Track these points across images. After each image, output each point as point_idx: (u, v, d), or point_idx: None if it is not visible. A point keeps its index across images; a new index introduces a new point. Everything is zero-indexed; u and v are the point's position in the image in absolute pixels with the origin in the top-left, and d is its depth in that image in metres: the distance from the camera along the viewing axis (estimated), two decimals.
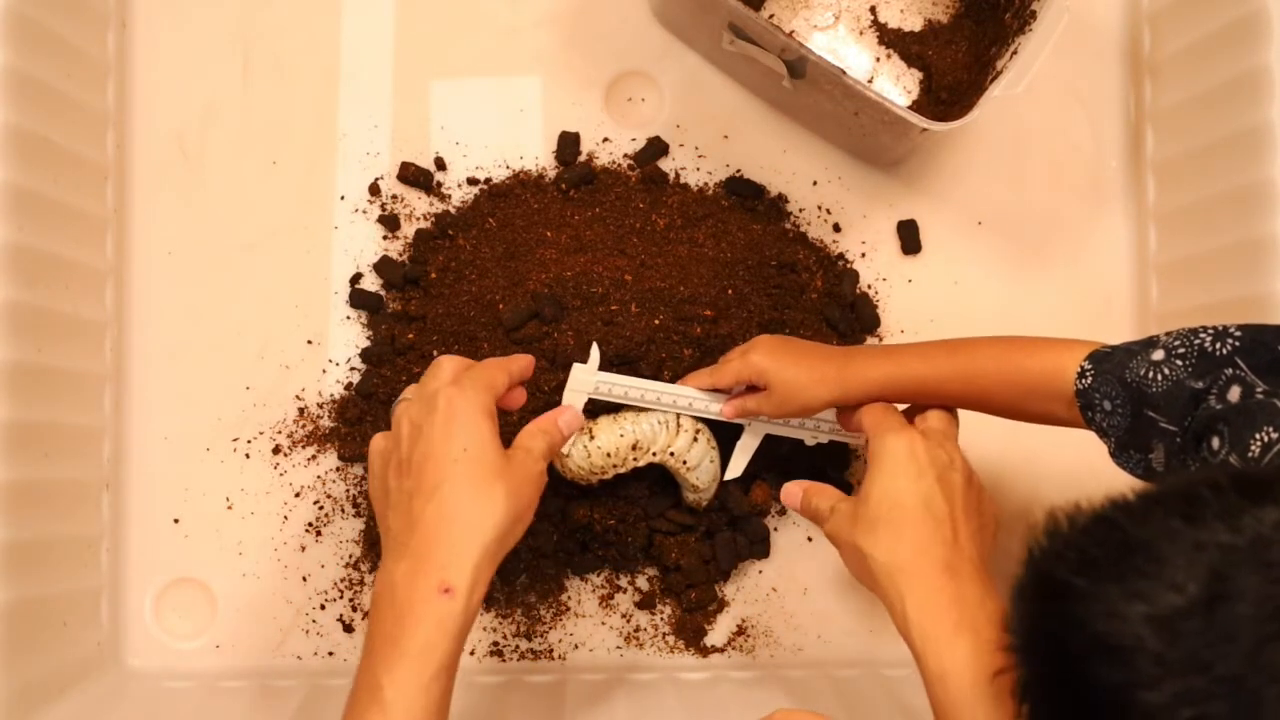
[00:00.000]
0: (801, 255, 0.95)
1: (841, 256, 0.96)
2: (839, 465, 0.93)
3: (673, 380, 0.86)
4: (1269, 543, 0.43)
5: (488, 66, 0.97)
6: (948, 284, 0.97)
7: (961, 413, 0.81)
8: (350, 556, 0.93)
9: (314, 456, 0.93)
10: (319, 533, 0.93)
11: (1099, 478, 0.96)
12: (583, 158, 0.96)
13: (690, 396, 0.84)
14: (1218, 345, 0.65)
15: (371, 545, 0.92)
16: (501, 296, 0.90)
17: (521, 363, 0.76)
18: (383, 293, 0.95)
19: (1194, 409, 0.65)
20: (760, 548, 0.93)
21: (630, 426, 0.84)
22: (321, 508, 0.93)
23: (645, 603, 0.92)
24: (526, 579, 0.91)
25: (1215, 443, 0.61)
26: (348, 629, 0.92)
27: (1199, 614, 0.43)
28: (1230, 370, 0.64)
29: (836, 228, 0.97)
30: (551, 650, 0.92)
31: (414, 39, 0.97)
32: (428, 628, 0.64)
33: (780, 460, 0.89)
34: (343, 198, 0.96)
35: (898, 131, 0.87)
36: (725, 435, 0.88)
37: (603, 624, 0.93)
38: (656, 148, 0.96)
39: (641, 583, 0.93)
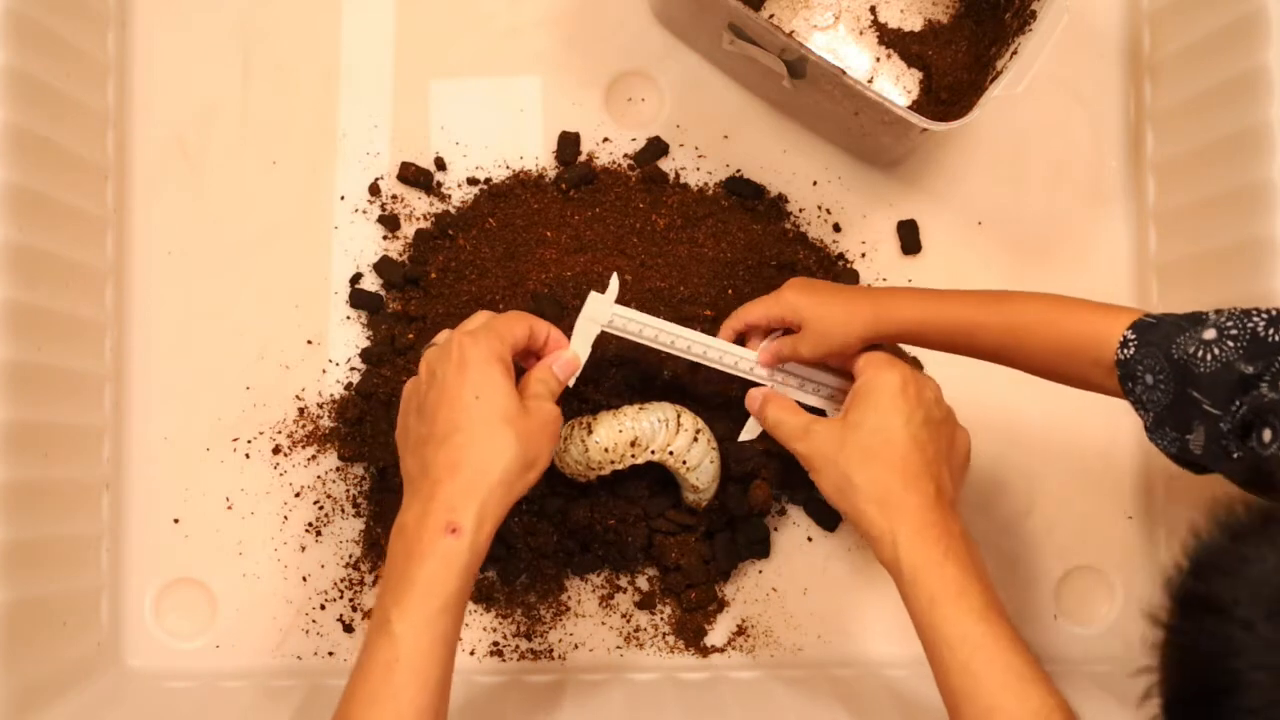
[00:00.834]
0: (801, 255, 0.95)
1: (841, 256, 0.96)
2: None
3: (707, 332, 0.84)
4: None
5: (488, 66, 0.97)
6: (948, 284, 0.96)
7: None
8: (350, 556, 0.93)
9: (314, 456, 0.93)
10: (319, 533, 0.93)
11: (1101, 478, 0.96)
12: (583, 158, 0.96)
13: (706, 344, 0.82)
14: (1271, 331, 0.64)
15: (371, 545, 0.92)
16: (501, 296, 0.90)
17: (544, 327, 0.77)
18: (383, 293, 0.95)
19: (1242, 394, 0.63)
20: (760, 548, 0.93)
21: (630, 423, 0.84)
22: (321, 508, 0.93)
23: (645, 603, 0.92)
24: (526, 579, 0.91)
25: (1267, 435, 0.60)
26: (348, 629, 0.92)
27: None
28: None
29: (836, 228, 0.97)
30: (551, 650, 0.92)
31: (414, 39, 0.97)
32: (433, 565, 0.67)
33: (782, 459, 0.89)
34: (343, 198, 0.96)
35: (898, 131, 0.87)
36: (725, 431, 0.88)
37: (603, 624, 0.93)
38: (656, 148, 0.96)
39: (641, 583, 0.93)
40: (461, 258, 0.92)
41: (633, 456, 0.84)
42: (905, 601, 0.71)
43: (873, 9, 0.98)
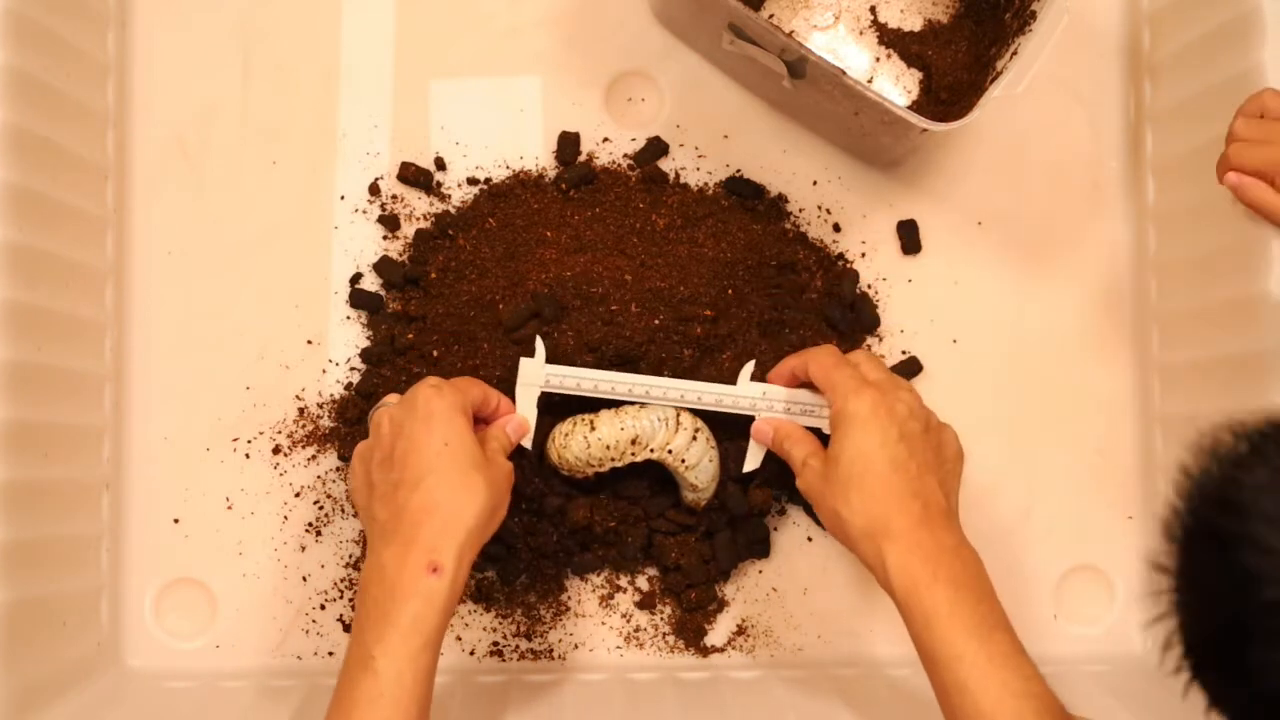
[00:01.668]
0: (801, 255, 0.95)
1: (841, 256, 0.96)
2: None
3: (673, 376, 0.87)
4: None
5: (488, 66, 0.97)
6: (948, 284, 0.97)
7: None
8: (350, 556, 0.93)
9: (314, 456, 0.93)
10: (319, 533, 0.93)
11: (1101, 478, 0.96)
12: (583, 158, 0.96)
13: (648, 384, 0.85)
14: None
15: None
16: (501, 296, 0.90)
17: (495, 393, 0.83)
18: (383, 293, 0.95)
19: None
20: (760, 548, 0.93)
21: (631, 421, 0.84)
22: (321, 508, 0.93)
23: (645, 603, 0.92)
24: (526, 579, 0.91)
25: None
26: (348, 629, 0.92)
27: None
28: None
29: (836, 228, 0.97)
30: (551, 650, 0.92)
31: (414, 39, 0.97)
32: (417, 603, 0.70)
33: (783, 462, 0.89)
34: (343, 198, 0.96)
35: (897, 131, 0.87)
36: (730, 430, 0.88)
37: (603, 624, 0.93)
38: (656, 148, 0.96)
39: (641, 583, 0.93)
40: (461, 258, 0.92)
41: (632, 454, 0.85)
42: (905, 623, 0.72)
43: (873, 9, 0.98)
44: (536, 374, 0.85)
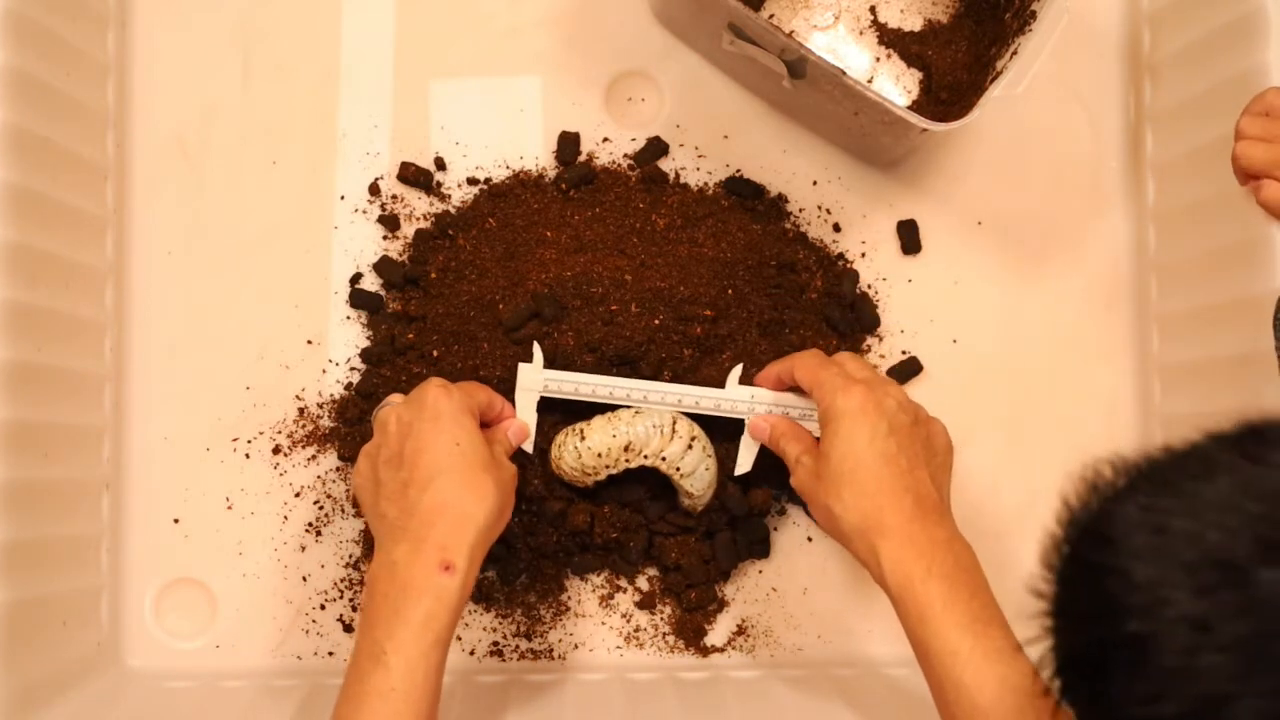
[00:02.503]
0: (801, 255, 0.95)
1: (841, 256, 0.96)
2: None
3: (673, 379, 0.87)
4: None
5: (488, 66, 0.97)
6: (948, 284, 0.97)
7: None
8: (350, 557, 0.93)
9: (314, 456, 0.93)
10: (319, 533, 0.93)
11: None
12: (583, 158, 0.96)
13: (646, 389, 0.85)
14: None
15: (372, 545, 0.92)
16: (501, 296, 0.90)
17: (500, 399, 0.83)
18: (383, 293, 0.95)
19: None
20: (760, 548, 0.93)
21: (625, 428, 0.84)
22: (321, 508, 0.93)
23: (645, 603, 0.92)
24: (526, 579, 0.91)
25: None
26: (348, 629, 0.92)
27: (1275, 562, 0.39)
28: None
29: (836, 228, 0.97)
30: (551, 650, 0.92)
31: (414, 39, 0.97)
32: (429, 601, 0.70)
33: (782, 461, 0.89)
34: (343, 198, 0.96)
35: (897, 131, 0.87)
36: (726, 431, 0.88)
37: (603, 624, 0.93)
38: (656, 148, 0.96)
39: (641, 583, 0.93)
40: (461, 258, 0.92)
41: (627, 461, 0.85)
42: (899, 619, 0.72)
43: (873, 9, 0.98)
44: (535, 379, 0.85)
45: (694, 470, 0.85)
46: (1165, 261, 0.95)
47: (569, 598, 0.92)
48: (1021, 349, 0.96)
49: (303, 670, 0.92)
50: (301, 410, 0.94)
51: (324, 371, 0.94)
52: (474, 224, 0.94)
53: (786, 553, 0.94)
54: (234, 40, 0.97)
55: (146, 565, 0.92)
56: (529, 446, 0.85)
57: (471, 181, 0.96)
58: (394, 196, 0.96)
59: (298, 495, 0.93)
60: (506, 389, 0.86)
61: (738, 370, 0.86)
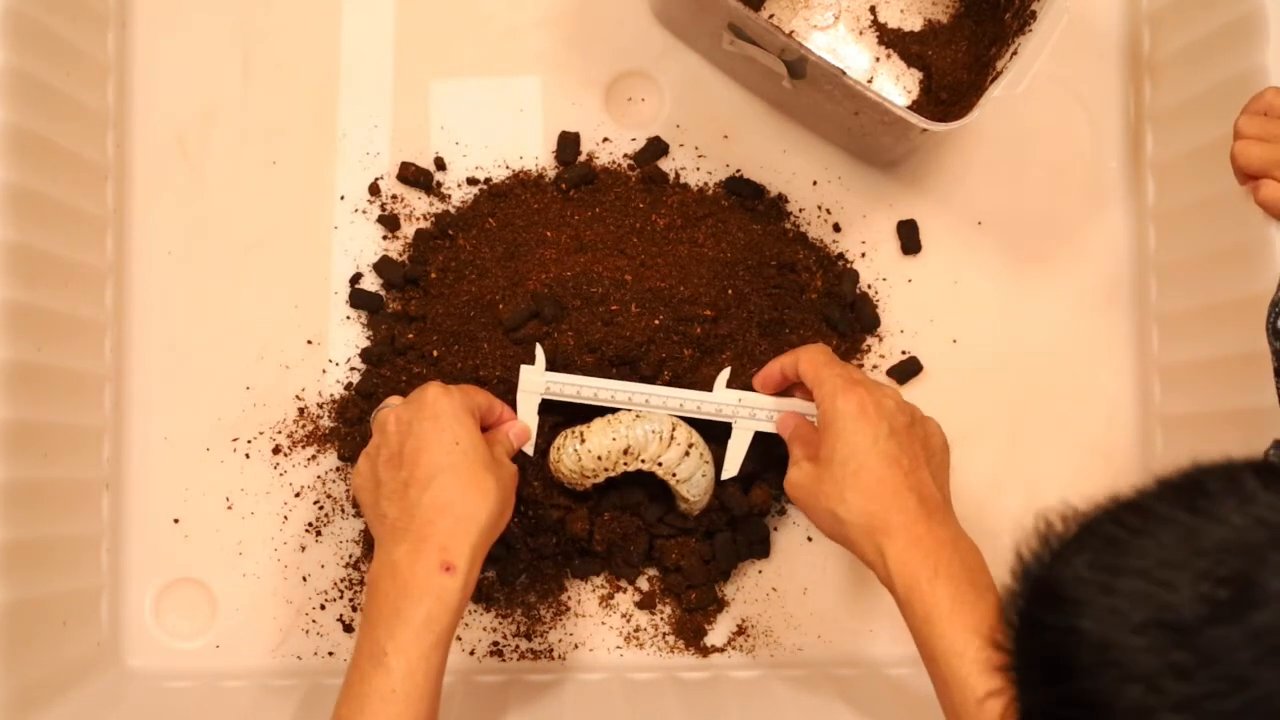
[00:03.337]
0: (801, 255, 0.95)
1: (841, 256, 0.96)
2: None
3: (671, 382, 0.87)
4: None
5: (488, 66, 0.97)
6: (948, 284, 0.97)
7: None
8: (350, 557, 0.93)
9: (314, 456, 0.93)
10: (319, 533, 0.93)
11: (1101, 478, 0.96)
12: (583, 158, 0.96)
13: (647, 393, 0.85)
14: None
15: (372, 545, 0.92)
16: (501, 296, 0.90)
17: (499, 402, 0.83)
18: (383, 293, 0.95)
19: None
20: (760, 548, 0.93)
21: (625, 430, 0.84)
22: (321, 508, 0.93)
23: (645, 603, 0.92)
24: (526, 579, 0.91)
25: None
26: (348, 629, 0.92)
27: (1223, 619, 0.39)
28: None
29: (836, 228, 0.97)
30: (551, 650, 0.92)
31: (414, 39, 0.97)
32: (430, 601, 0.70)
33: (779, 460, 0.89)
34: (343, 198, 0.96)
35: (897, 131, 0.87)
36: (717, 434, 0.88)
37: (603, 624, 0.93)
38: (656, 148, 0.96)
39: (642, 583, 0.93)
40: (461, 258, 0.92)
41: (625, 464, 0.85)
42: (905, 619, 0.72)
43: (873, 9, 0.98)
44: (537, 381, 0.85)
45: (690, 476, 0.85)
46: (1165, 261, 0.95)
47: (569, 598, 0.92)
48: (1021, 349, 0.96)
49: (303, 670, 0.92)
50: (301, 410, 0.94)
51: (324, 371, 0.94)
52: (474, 224, 0.94)
53: (786, 553, 0.94)
54: (234, 40, 0.97)
55: (146, 565, 0.92)
56: (529, 448, 0.86)
57: (471, 181, 0.96)
58: (394, 196, 0.96)
59: (298, 495, 0.93)
60: (506, 389, 0.86)
61: (725, 374, 0.86)
